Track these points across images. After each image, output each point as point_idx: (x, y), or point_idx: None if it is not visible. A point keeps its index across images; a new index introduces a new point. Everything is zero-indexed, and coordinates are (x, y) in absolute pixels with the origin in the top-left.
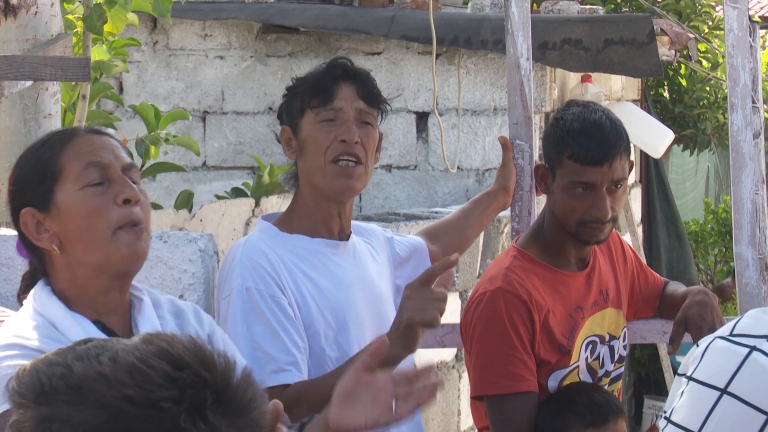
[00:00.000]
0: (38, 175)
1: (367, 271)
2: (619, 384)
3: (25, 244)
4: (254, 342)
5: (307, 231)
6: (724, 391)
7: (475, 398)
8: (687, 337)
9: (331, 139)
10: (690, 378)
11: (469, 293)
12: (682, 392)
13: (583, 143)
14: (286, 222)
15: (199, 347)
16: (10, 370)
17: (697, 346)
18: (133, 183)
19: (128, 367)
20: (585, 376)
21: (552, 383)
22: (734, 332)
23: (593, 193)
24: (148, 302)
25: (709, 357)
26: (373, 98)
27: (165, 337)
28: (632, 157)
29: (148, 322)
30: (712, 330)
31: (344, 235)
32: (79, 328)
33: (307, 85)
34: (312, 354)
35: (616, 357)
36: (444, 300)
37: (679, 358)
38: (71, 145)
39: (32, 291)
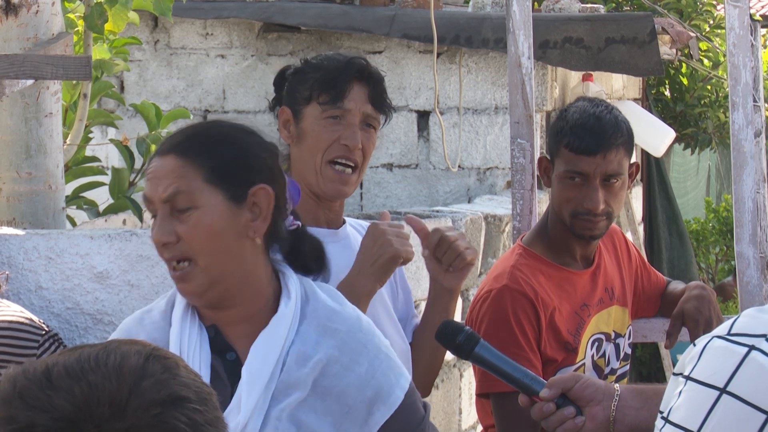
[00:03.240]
0: None
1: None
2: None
3: None
4: None
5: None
6: (723, 391)
7: (481, 396)
8: (685, 335)
9: (333, 139)
10: (688, 377)
11: (471, 291)
12: (680, 392)
13: (578, 132)
14: None
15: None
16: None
17: (694, 345)
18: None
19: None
20: (591, 374)
21: None
22: (732, 331)
23: (587, 184)
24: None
25: (707, 356)
26: (381, 103)
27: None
28: (635, 159)
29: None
30: (709, 324)
31: (334, 225)
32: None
33: (319, 77)
34: None
35: (622, 354)
36: (407, 237)
37: (680, 357)
38: None
39: None
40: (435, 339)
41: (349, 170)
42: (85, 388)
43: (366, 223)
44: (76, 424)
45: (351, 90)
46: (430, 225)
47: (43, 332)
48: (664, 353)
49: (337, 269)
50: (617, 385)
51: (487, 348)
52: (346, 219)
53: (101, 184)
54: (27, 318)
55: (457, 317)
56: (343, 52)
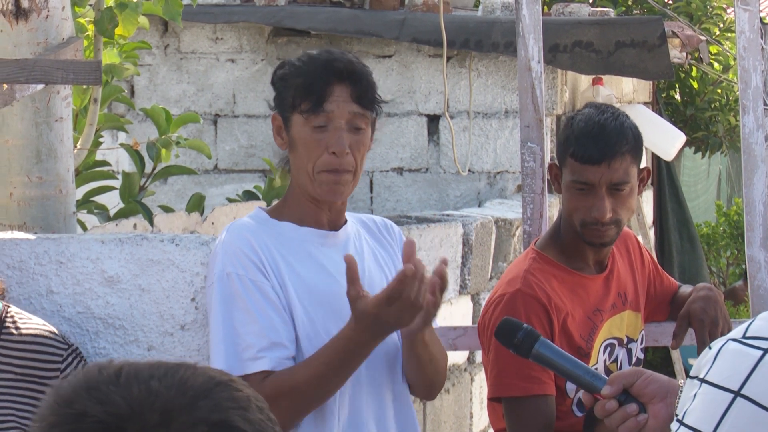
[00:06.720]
0: None
1: (358, 258)
2: None
3: None
4: (234, 329)
5: (295, 219)
6: (737, 394)
7: (493, 400)
8: (693, 339)
9: (321, 149)
10: (703, 380)
11: (482, 296)
12: (695, 394)
13: (583, 141)
14: (278, 209)
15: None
16: None
17: (710, 348)
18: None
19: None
20: None
21: (570, 386)
22: (747, 335)
23: (593, 193)
24: None
25: (722, 359)
26: (367, 101)
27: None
28: (646, 163)
29: None
30: (715, 324)
31: (335, 226)
32: None
33: (299, 83)
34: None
35: (634, 359)
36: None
37: (691, 361)
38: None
39: None
40: (494, 337)
41: (344, 173)
42: (143, 391)
43: (375, 218)
44: (125, 422)
45: (332, 93)
46: (440, 230)
47: (67, 347)
48: (675, 357)
49: (333, 267)
50: (681, 381)
51: (547, 345)
52: (350, 216)
53: (112, 188)
54: (50, 331)
55: (467, 321)
56: (331, 49)
